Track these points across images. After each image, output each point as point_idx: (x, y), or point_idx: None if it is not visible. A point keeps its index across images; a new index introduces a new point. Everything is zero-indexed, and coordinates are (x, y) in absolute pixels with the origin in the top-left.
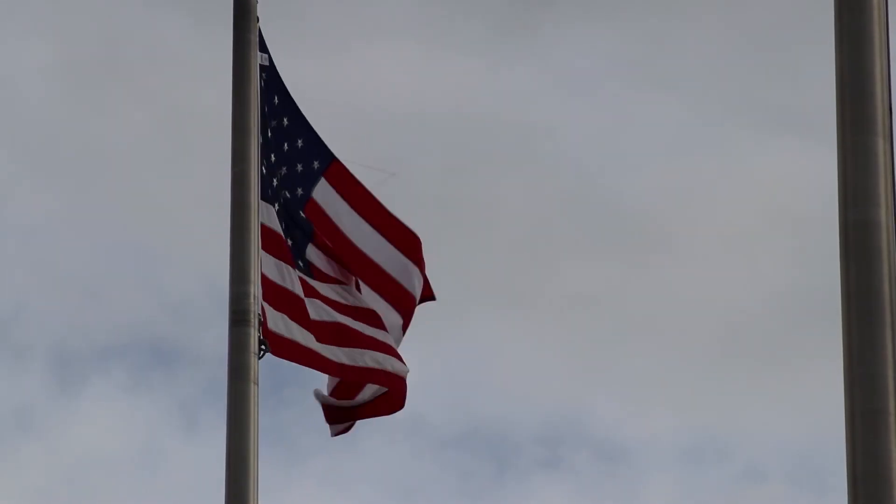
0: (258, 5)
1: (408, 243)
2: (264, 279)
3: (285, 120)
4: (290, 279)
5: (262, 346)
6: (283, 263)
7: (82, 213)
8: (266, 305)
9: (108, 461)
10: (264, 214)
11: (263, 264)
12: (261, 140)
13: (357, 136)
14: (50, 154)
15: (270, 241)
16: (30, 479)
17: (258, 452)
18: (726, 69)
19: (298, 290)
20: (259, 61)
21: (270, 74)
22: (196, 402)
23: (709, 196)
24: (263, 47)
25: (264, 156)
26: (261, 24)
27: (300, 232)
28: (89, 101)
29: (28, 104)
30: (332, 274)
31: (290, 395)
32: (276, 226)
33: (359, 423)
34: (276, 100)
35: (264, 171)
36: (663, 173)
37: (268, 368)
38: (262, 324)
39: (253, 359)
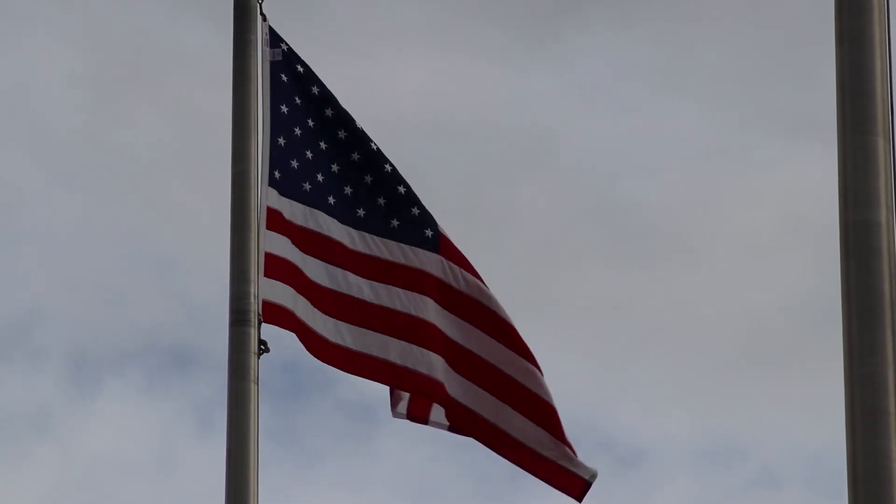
0: (263, 4)
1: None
2: (267, 255)
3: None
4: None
5: (262, 346)
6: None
7: (102, 218)
8: (266, 280)
9: (123, 463)
10: (274, 201)
11: (268, 242)
12: (295, 134)
13: (376, 142)
14: (71, 159)
15: (280, 224)
16: (45, 480)
17: (258, 452)
18: (745, 75)
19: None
20: (270, 58)
21: (294, 66)
22: (212, 405)
23: (727, 202)
24: (275, 43)
25: (295, 151)
26: (270, 22)
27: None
28: (112, 107)
29: (50, 110)
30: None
31: (306, 397)
32: (292, 216)
33: (373, 424)
34: (315, 90)
35: (296, 165)
36: (682, 179)
37: (281, 372)
38: (263, 304)
39: (253, 358)
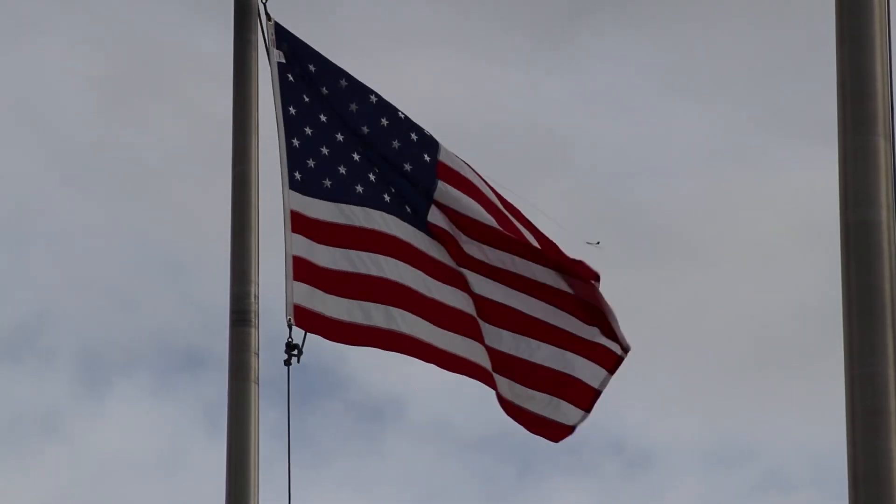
0: (267, 4)
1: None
2: (295, 259)
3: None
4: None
5: (295, 352)
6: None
7: (113, 220)
8: (296, 283)
9: (131, 464)
10: (296, 203)
11: (294, 246)
12: (305, 133)
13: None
14: (84, 162)
15: (305, 225)
16: (54, 480)
17: (259, 453)
18: (759, 78)
19: (347, 266)
20: (277, 59)
21: (299, 64)
22: (220, 406)
23: (739, 205)
24: (280, 43)
25: (311, 149)
26: (275, 21)
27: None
28: (125, 110)
29: (64, 113)
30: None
31: (316, 398)
32: (317, 214)
33: (381, 425)
34: (324, 87)
35: (312, 164)
36: (694, 182)
37: (294, 373)
38: (294, 308)
39: (253, 358)
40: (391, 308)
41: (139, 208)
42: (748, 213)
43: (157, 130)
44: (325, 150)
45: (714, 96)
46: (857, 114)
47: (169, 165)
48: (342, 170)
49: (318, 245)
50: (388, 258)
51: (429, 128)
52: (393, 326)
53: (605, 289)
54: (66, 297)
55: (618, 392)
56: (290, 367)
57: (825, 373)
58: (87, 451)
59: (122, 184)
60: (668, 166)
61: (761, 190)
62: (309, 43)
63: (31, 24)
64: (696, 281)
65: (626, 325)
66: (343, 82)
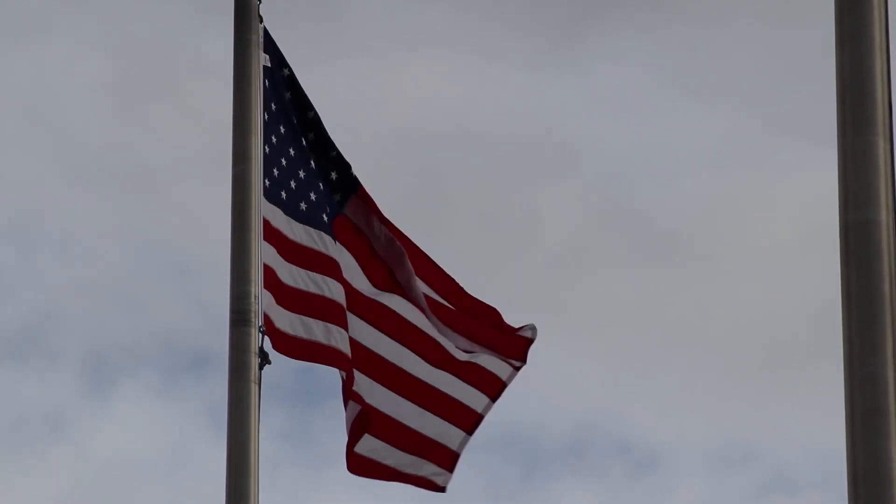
0: (261, 6)
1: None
2: (265, 267)
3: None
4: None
5: (264, 358)
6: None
7: (119, 222)
8: (265, 291)
9: (137, 464)
10: (269, 213)
11: (265, 254)
12: (272, 141)
13: (397, 149)
14: (92, 164)
15: (272, 234)
16: (60, 481)
17: (259, 453)
18: (766, 81)
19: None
20: (262, 62)
21: (276, 76)
22: (225, 406)
23: (748, 209)
24: (268, 48)
25: (275, 158)
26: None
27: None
28: (133, 113)
29: (72, 116)
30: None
31: (319, 398)
32: (281, 226)
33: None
34: (288, 95)
35: (276, 172)
36: (702, 185)
37: (297, 375)
38: (265, 319)
39: (253, 358)
40: (331, 325)
41: (144, 210)
42: (754, 215)
43: (161, 132)
44: (283, 161)
45: (719, 99)
46: (857, 114)
47: (173, 167)
48: (293, 184)
49: (279, 256)
50: (327, 278)
51: (434, 129)
52: (332, 343)
53: (608, 289)
54: (72, 298)
55: (623, 394)
56: (262, 371)
57: (830, 374)
58: (92, 452)
59: (127, 185)
60: (674, 169)
61: (767, 192)
62: (316, 43)
63: (36, 27)
64: (702, 283)
65: (631, 327)
66: (311, 113)
